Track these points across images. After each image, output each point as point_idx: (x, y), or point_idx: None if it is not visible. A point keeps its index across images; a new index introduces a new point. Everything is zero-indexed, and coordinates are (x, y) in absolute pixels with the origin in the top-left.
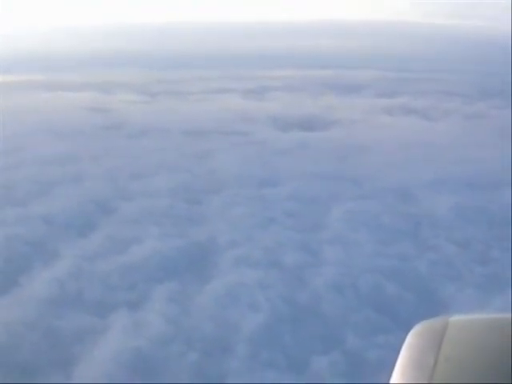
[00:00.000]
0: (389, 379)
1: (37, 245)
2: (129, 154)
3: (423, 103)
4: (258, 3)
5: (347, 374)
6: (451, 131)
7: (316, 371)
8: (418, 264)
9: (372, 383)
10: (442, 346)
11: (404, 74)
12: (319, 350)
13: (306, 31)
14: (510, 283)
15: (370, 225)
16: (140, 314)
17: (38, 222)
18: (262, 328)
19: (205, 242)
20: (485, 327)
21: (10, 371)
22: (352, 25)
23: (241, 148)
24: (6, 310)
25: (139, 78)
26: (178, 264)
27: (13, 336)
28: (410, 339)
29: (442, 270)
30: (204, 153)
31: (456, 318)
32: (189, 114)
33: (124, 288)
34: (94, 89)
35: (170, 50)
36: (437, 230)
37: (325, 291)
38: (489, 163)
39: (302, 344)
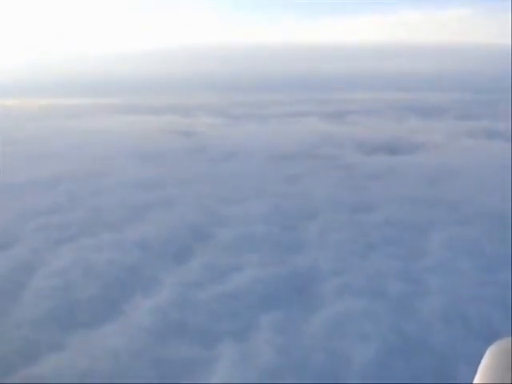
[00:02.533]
0: None
1: (135, 271)
2: (217, 178)
3: (505, 125)
4: (331, 26)
5: None
6: None
7: None
8: None
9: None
10: None
11: (483, 96)
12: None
13: (382, 53)
14: None
15: (471, 251)
16: (247, 345)
17: (134, 248)
18: (374, 360)
19: (306, 270)
20: None
21: None
22: (429, 47)
23: (329, 172)
24: (112, 338)
25: (218, 101)
26: (280, 292)
27: (121, 365)
28: (487, 357)
29: None
30: (292, 177)
31: None
32: (272, 137)
33: (228, 317)
34: (174, 112)
35: (247, 72)
36: None
37: (432, 321)
38: None
39: (415, 377)
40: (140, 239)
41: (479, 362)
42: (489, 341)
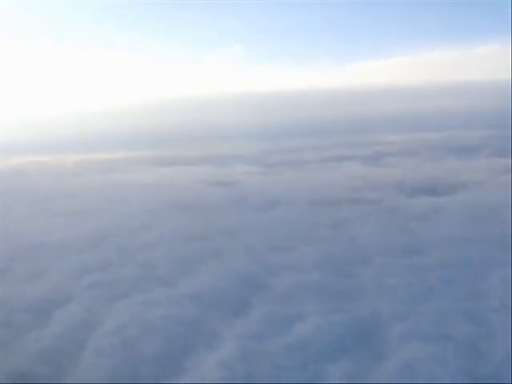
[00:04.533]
0: None
1: (194, 326)
2: (263, 227)
3: None
4: (360, 70)
5: None
6: None
7: None
8: None
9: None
10: None
11: None
12: None
13: (413, 94)
14: None
15: None
16: None
17: (189, 302)
18: None
19: (368, 317)
20: None
21: None
22: (459, 85)
23: (373, 216)
24: None
25: (251, 149)
26: (345, 341)
27: None
28: None
29: None
30: (338, 222)
31: None
32: (310, 183)
33: (295, 368)
34: (209, 162)
35: (276, 119)
36: None
37: (504, 364)
38: None
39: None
40: (194, 293)
41: None
42: None
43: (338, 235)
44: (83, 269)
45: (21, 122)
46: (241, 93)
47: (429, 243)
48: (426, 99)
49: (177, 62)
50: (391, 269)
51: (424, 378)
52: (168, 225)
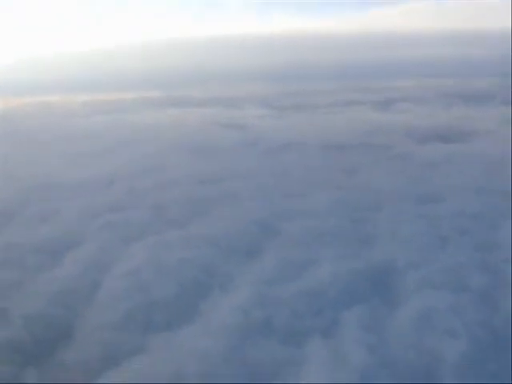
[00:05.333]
0: None
1: (208, 269)
2: (275, 171)
3: None
4: (374, 16)
5: None
6: None
7: None
8: None
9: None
10: None
11: None
12: None
13: (426, 40)
14: None
15: None
16: (335, 343)
17: (203, 245)
18: (465, 356)
19: (382, 264)
20: None
21: None
22: (472, 32)
23: (386, 162)
24: (196, 339)
25: (263, 92)
26: (360, 287)
27: (210, 368)
28: None
29: None
30: (351, 168)
31: None
32: (322, 127)
33: (311, 314)
34: (221, 104)
35: (290, 62)
36: None
37: None
38: None
39: (508, 374)
40: (208, 236)
41: None
42: None
43: (351, 181)
44: (96, 210)
45: (25, 61)
46: (253, 35)
47: (442, 191)
48: (437, 46)
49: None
50: (405, 216)
51: (439, 327)
52: (180, 167)
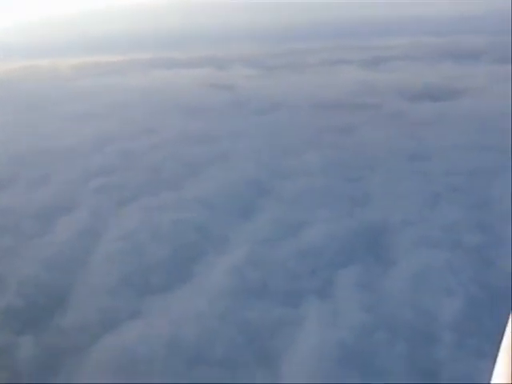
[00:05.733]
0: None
1: (203, 230)
2: (267, 131)
3: None
4: None
5: None
6: None
7: None
8: None
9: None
10: None
11: None
12: None
13: None
14: None
15: None
16: (332, 302)
17: (197, 206)
18: (461, 313)
19: (377, 222)
20: None
21: (209, 368)
22: None
23: (377, 121)
24: (192, 301)
25: (251, 52)
26: (355, 246)
27: (207, 330)
28: None
29: None
30: (343, 127)
31: None
32: (311, 87)
33: (306, 274)
34: (209, 65)
35: (274, 22)
36: None
37: None
38: None
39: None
40: (202, 197)
41: None
42: None
43: (343, 140)
44: (88, 174)
45: (13, 25)
46: None
47: (434, 150)
48: (424, 4)
49: None
50: (398, 175)
51: (435, 285)
52: (171, 128)
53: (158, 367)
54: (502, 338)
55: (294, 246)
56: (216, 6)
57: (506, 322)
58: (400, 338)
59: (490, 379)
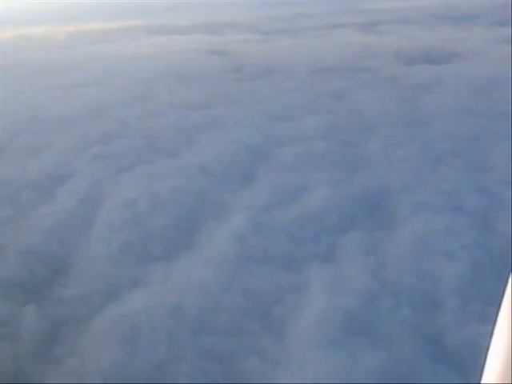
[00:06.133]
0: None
1: (202, 197)
2: (262, 96)
3: None
4: None
5: None
6: None
7: None
8: None
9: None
10: None
11: None
12: None
13: None
14: None
15: None
16: (335, 267)
17: (195, 173)
18: (464, 277)
19: (377, 187)
20: None
21: (214, 336)
22: None
23: (374, 85)
24: (195, 269)
25: (244, 18)
26: (355, 211)
27: (212, 298)
28: None
29: None
30: (339, 91)
31: None
32: (307, 51)
33: (308, 239)
34: (204, 31)
35: None
36: None
37: None
38: None
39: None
40: (200, 163)
41: None
42: None
43: (340, 104)
44: (85, 142)
45: None
46: None
47: (432, 114)
48: None
49: None
50: (397, 139)
51: (437, 249)
52: (167, 95)
53: (161, 336)
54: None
55: (294, 211)
56: None
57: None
58: (404, 303)
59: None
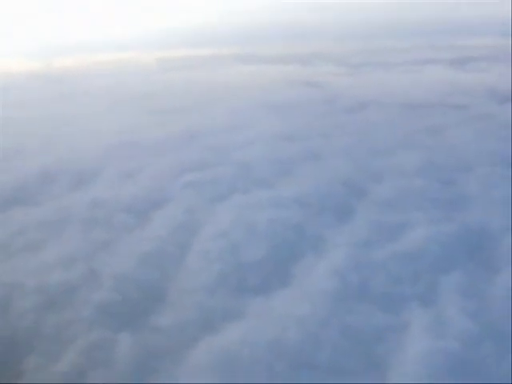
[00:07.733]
0: None
1: (299, 230)
2: (357, 129)
3: None
4: None
5: None
6: None
7: None
8: None
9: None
10: None
11: None
12: None
13: None
14: None
15: None
16: (435, 309)
17: (292, 205)
18: None
19: (477, 227)
20: None
21: (314, 371)
22: None
23: (468, 122)
24: (293, 304)
25: (334, 50)
26: (456, 251)
27: (311, 334)
28: None
29: None
30: (433, 127)
31: None
32: (399, 85)
33: (408, 279)
34: (293, 61)
35: (357, 20)
36: None
37: None
38: None
39: None
40: (296, 195)
41: None
42: None
43: (435, 141)
44: (179, 168)
45: (92, 19)
46: None
47: None
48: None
49: None
50: (496, 178)
51: None
52: (260, 124)
53: (260, 369)
54: None
55: (393, 249)
56: (299, 3)
57: None
58: (507, 348)
59: None
